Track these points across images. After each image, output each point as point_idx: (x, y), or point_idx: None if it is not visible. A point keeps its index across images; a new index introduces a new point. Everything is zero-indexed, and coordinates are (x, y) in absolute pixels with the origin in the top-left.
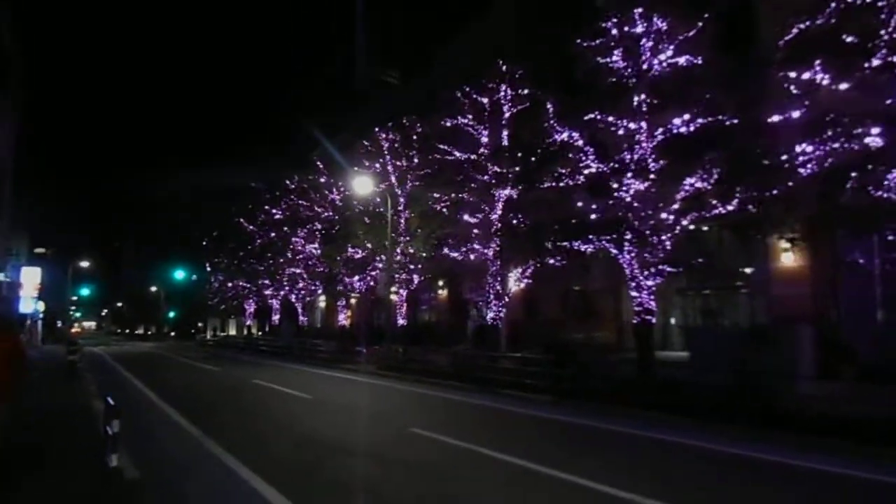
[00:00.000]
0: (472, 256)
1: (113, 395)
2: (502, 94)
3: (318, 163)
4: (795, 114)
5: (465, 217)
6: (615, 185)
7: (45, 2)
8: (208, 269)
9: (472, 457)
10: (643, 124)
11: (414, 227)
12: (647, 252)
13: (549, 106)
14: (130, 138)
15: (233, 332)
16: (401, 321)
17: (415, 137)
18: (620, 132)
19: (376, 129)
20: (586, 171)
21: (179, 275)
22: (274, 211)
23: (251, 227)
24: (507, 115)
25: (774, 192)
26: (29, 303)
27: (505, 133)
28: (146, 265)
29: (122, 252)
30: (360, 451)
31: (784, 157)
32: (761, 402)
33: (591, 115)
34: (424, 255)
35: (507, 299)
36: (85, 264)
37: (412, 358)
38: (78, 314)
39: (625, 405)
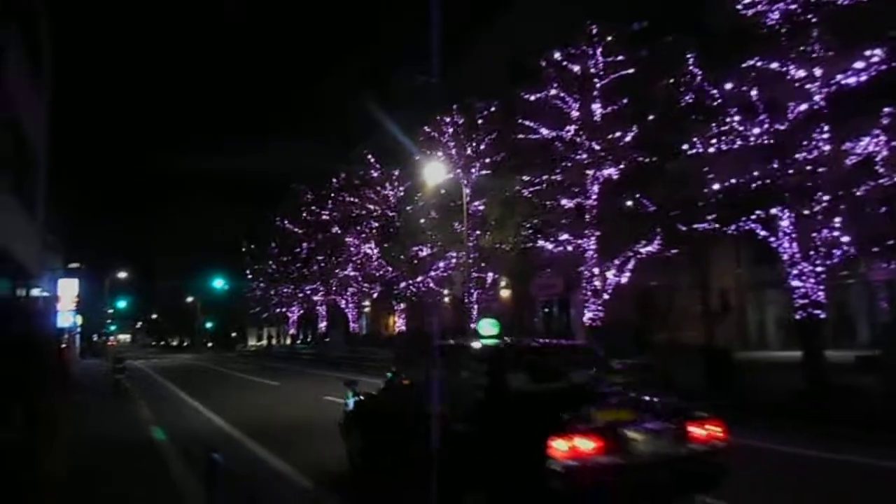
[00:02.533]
0: (569, 247)
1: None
2: (595, 59)
3: (370, 156)
4: None
5: (564, 202)
6: (784, 148)
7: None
8: (249, 275)
9: None
10: (817, 71)
11: (494, 217)
12: (818, 230)
13: (689, 56)
14: (162, 140)
15: (272, 341)
16: (472, 325)
17: (480, 121)
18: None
19: (437, 117)
20: (747, 132)
21: (219, 283)
22: (322, 211)
23: (297, 228)
24: (599, 84)
25: None
26: (67, 316)
27: (597, 106)
28: (182, 275)
29: (157, 263)
30: None
31: None
32: None
33: (751, 63)
34: (509, 248)
35: (606, 297)
36: (123, 275)
37: None
38: (112, 327)
39: (835, 424)
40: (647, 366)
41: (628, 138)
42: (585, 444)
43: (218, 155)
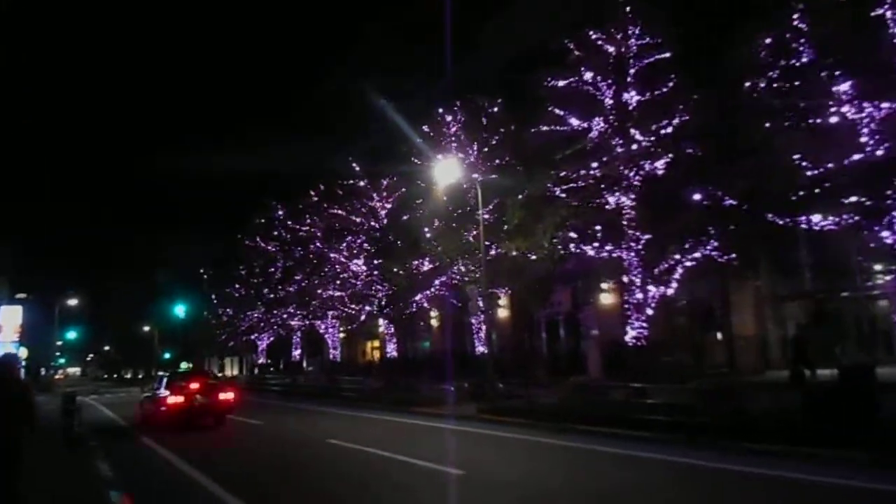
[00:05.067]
0: (616, 253)
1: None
2: (630, 42)
3: (355, 164)
4: None
5: (611, 199)
6: None
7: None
8: (214, 300)
9: None
10: None
11: (515, 222)
12: None
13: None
14: (119, 162)
15: (230, 372)
16: (479, 348)
17: (484, 119)
18: None
19: (440, 111)
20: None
21: (179, 311)
22: (300, 226)
23: (270, 246)
24: (636, 67)
25: None
26: (9, 349)
27: (632, 93)
28: (137, 304)
29: (111, 290)
30: None
31: None
32: None
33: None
34: (540, 256)
35: (650, 312)
36: (73, 302)
37: (513, 394)
38: (62, 360)
39: None
40: (725, 389)
41: (667, 129)
42: (176, 398)
43: (180, 174)
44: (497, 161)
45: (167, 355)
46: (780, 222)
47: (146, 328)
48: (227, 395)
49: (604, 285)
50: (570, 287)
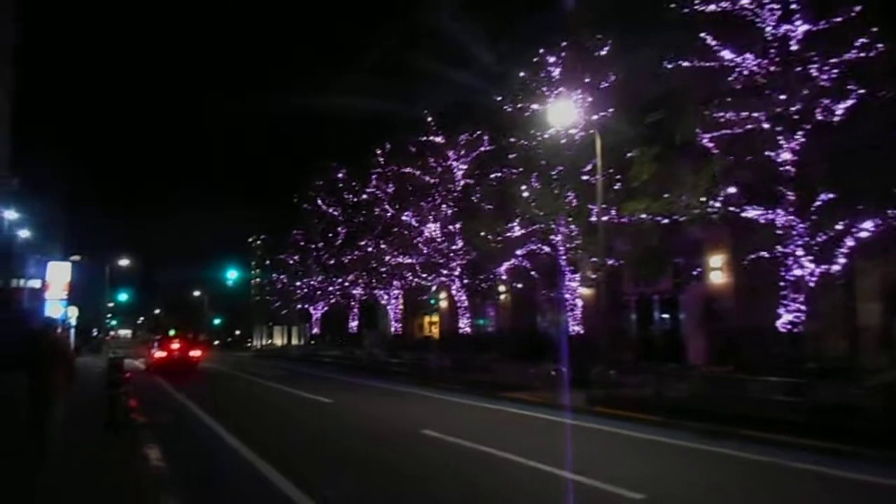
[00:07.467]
0: (773, 217)
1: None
2: None
3: (430, 118)
4: None
5: (788, 147)
6: None
7: None
8: (268, 264)
9: None
10: None
11: (642, 179)
12: None
13: None
14: (172, 122)
15: (279, 342)
16: (574, 327)
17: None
18: None
19: (540, 51)
20: None
21: (232, 275)
22: (365, 188)
23: (333, 210)
24: None
25: None
26: (57, 306)
27: (799, 21)
28: (188, 269)
29: (162, 253)
30: None
31: None
32: None
33: None
34: (683, 219)
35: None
36: (124, 263)
37: (622, 382)
38: (113, 322)
39: None
40: None
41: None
42: (160, 353)
43: (234, 133)
44: (609, 110)
45: (217, 321)
46: None
47: (196, 293)
48: (197, 353)
49: (716, 261)
50: (672, 261)
